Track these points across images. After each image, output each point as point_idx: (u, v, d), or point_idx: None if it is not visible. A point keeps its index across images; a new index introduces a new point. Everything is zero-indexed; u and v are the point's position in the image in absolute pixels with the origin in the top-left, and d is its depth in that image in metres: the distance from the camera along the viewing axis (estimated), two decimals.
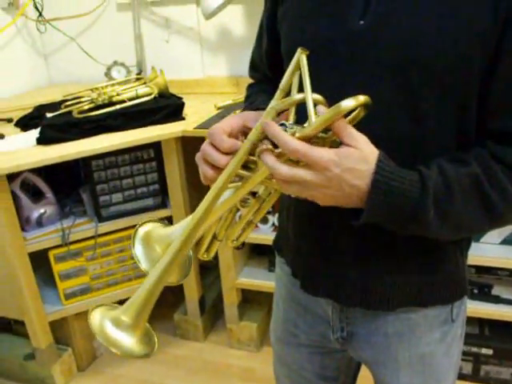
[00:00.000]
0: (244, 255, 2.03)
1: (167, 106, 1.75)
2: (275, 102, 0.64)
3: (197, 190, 1.86)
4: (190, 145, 1.75)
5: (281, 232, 0.94)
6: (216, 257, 1.91)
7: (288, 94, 0.64)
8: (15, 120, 1.88)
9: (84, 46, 2.30)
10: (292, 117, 0.62)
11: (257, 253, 2.09)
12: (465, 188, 0.64)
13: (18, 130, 1.81)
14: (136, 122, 1.70)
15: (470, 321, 1.77)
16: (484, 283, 1.72)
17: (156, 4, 2.18)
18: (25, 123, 1.82)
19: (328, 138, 0.61)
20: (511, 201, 0.65)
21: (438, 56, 0.64)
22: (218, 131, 0.67)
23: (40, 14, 2.28)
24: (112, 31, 2.28)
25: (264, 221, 1.83)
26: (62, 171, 1.81)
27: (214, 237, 0.75)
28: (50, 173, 1.79)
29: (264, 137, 0.61)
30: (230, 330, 2.04)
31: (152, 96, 1.78)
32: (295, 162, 0.60)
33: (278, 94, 0.64)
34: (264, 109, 0.68)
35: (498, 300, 1.67)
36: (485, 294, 1.70)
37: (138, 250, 0.71)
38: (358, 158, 0.59)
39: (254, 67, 0.99)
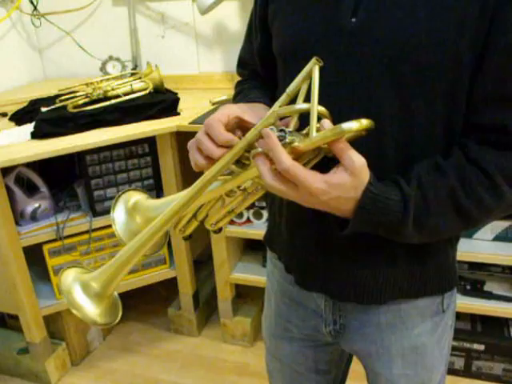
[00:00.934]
0: (238, 250, 2.04)
1: (162, 101, 1.75)
2: (278, 107, 0.63)
3: (191, 185, 1.86)
4: (184, 140, 1.73)
5: (273, 227, 0.94)
6: (210, 252, 1.92)
7: (293, 99, 0.63)
8: (10, 114, 1.88)
9: (79, 40, 2.30)
10: (293, 124, 0.62)
11: (251, 248, 2.09)
12: (441, 201, 0.66)
13: (13, 124, 1.81)
14: (131, 116, 1.70)
15: (462, 316, 1.79)
16: (476, 279, 1.74)
17: None
18: (19, 117, 1.82)
19: (325, 149, 0.61)
20: (487, 208, 0.67)
21: (428, 53, 0.65)
22: (217, 124, 0.66)
23: (35, 8, 2.27)
24: (107, 26, 2.27)
25: (258, 216, 1.84)
26: (56, 166, 1.80)
27: (194, 216, 0.76)
28: (45, 167, 1.79)
29: (261, 137, 0.61)
30: (223, 324, 2.05)
31: (147, 91, 1.78)
32: None
33: (284, 98, 0.64)
34: (260, 102, 0.69)
35: (490, 296, 1.68)
36: (477, 290, 1.71)
37: (118, 215, 0.73)
38: (349, 188, 0.60)
39: (242, 64, 0.99)
